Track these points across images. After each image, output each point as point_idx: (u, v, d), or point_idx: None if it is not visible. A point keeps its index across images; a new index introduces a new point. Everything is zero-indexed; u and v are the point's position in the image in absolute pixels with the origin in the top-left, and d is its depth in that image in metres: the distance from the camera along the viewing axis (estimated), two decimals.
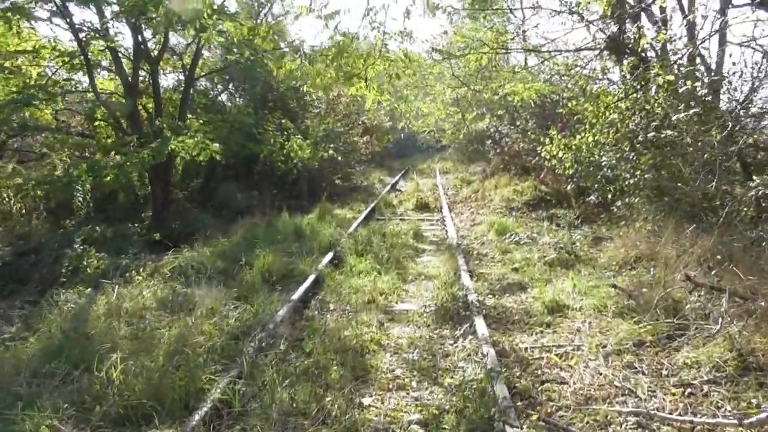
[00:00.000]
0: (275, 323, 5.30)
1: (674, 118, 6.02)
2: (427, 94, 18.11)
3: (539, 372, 4.50)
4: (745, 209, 6.30)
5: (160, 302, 5.90)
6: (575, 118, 16.90)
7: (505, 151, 17.43)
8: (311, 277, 7.16)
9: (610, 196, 11.07)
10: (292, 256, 8.07)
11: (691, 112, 5.63)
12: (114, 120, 11.50)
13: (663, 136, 7.08)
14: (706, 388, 4.05)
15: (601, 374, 4.37)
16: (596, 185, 11.48)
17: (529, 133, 17.09)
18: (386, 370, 4.70)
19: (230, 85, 19.44)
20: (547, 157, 12.30)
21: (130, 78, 11.80)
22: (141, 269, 7.26)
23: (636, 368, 4.42)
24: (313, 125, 17.35)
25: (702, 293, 5.38)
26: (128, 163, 8.98)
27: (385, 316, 6.10)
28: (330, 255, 8.33)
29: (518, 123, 18.51)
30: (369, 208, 13.87)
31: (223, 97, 19.83)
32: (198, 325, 5.13)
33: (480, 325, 5.34)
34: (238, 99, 20.27)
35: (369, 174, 22.49)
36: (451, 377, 4.50)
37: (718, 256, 5.57)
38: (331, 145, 16.28)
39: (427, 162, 32.02)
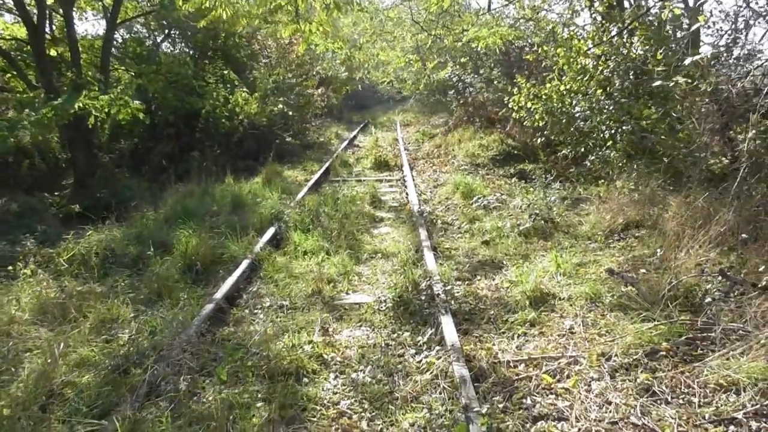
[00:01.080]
0: (185, 339, 4.03)
1: (688, 61, 4.84)
2: (385, 42, 16.58)
3: (528, 402, 3.37)
4: None
5: (40, 310, 4.56)
6: (542, 65, 15.76)
7: (469, 102, 16.13)
8: (245, 263, 5.87)
9: (583, 149, 10.06)
10: (222, 236, 6.69)
11: (709, 53, 4.48)
12: (17, 71, 9.77)
13: (673, 83, 5.87)
14: (754, 425, 3.00)
15: (610, 404, 3.27)
16: (569, 138, 10.38)
17: (494, 82, 15.80)
18: (328, 403, 3.51)
19: (172, 33, 17.54)
20: (515, 108, 11.10)
21: (35, 20, 10.03)
22: (32, 258, 5.85)
23: (656, 393, 3.32)
24: (261, 77, 15.71)
25: (720, 280, 4.30)
26: (22, 125, 7.39)
27: (332, 314, 4.90)
28: (271, 231, 7.02)
29: (482, 72, 17.18)
30: (323, 169, 12.52)
31: (164, 46, 17.93)
32: (76, 350, 3.84)
33: (448, 328, 4.17)
34: (180, 48, 18.42)
35: (326, 129, 20.95)
36: (414, 412, 3.35)
37: (744, 235, 4.49)
38: (281, 99, 14.70)
39: (388, 114, 30.51)
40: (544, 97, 10.51)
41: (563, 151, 10.53)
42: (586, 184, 10.22)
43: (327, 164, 13.15)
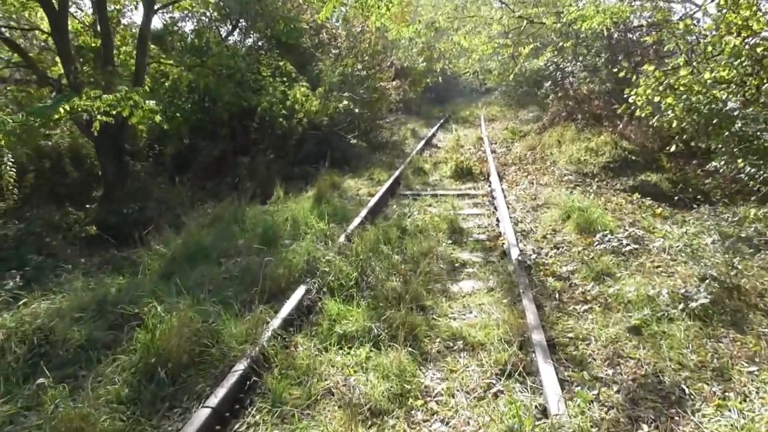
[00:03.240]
0: None
1: None
2: (469, 27, 13.86)
3: None
4: None
5: None
6: (664, 49, 12.72)
7: (570, 94, 13.12)
8: (239, 369, 3.49)
9: (741, 162, 7.18)
10: (210, 314, 4.23)
11: None
12: (28, 64, 7.96)
13: None
14: None
15: None
16: (721, 145, 7.44)
17: (602, 71, 12.71)
18: None
19: (240, 23, 15.60)
20: (638, 102, 8.15)
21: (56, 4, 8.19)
22: None
23: None
24: (326, 69, 13.41)
25: None
26: None
27: None
28: (297, 296, 4.59)
29: (581, 59, 14.05)
30: (392, 179, 10.04)
31: (234, 36, 16.03)
32: None
33: None
34: (249, 39, 16.54)
35: (401, 126, 18.47)
36: None
37: None
38: (346, 94, 12.32)
39: (471, 108, 27.65)
40: (681, 88, 7.60)
41: (715, 163, 7.58)
42: (747, 207, 7.32)
43: (398, 172, 10.66)
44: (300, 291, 4.64)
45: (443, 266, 5.59)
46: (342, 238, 5.98)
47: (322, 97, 12.30)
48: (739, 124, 6.87)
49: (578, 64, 13.07)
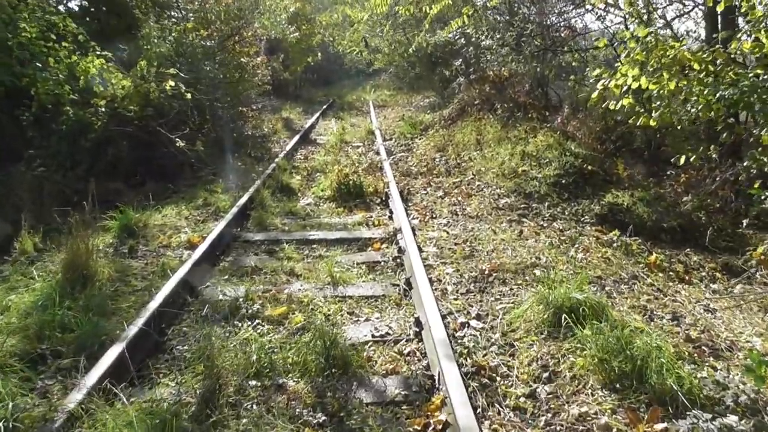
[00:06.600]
0: None
1: None
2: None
3: None
4: None
5: None
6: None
7: (489, 77, 9.71)
8: None
9: None
10: None
11: None
12: None
13: None
14: None
15: None
16: None
17: (524, 49, 9.36)
18: None
19: None
20: (616, 91, 4.78)
21: None
22: None
23: None
24: (149, 34, 8.98)
25: None
26: None
27: None
28: None
29: (499, 34, 10.62)
30: (239, 206, 6.08)
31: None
32: None
33: None
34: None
35: (272, 114, 14.33)
36: None
37: None
38: (171, 71, 8.00)
39: (358, 92, 23.94)
40: (695, 65, 4.46)
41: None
42: None
43: (249, 193, 6.68)
44: None
45: None
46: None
47: (139, 76, 7.94)
48: None
49: (497, 37, 9.63)
